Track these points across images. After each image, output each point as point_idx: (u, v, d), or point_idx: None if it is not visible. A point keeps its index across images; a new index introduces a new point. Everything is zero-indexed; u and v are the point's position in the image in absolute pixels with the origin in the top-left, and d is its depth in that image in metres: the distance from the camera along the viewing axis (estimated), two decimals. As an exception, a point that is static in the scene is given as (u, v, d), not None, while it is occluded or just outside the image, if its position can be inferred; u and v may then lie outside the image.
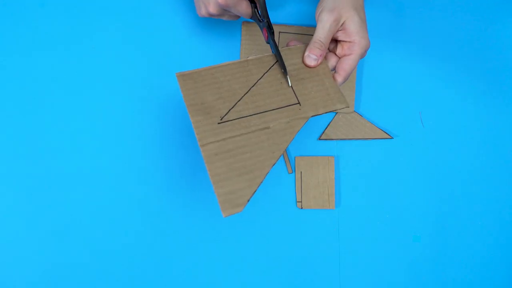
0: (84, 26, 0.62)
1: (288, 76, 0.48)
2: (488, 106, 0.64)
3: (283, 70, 0.48)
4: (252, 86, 0.47)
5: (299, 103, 0.48)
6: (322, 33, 0.48)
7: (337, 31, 0.49)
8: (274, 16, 0.64)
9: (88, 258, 0.60)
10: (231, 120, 0.45)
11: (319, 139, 0.62)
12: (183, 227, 0.61)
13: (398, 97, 0.63)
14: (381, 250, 0.62)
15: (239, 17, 0.54)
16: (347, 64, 0.49)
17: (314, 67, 0.49)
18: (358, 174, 0.63)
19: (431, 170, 0.63)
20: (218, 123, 0.44)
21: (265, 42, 0.54)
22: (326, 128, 0.62)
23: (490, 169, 0.63)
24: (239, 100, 0.46)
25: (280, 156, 0.46)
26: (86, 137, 0.61)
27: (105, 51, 0.62)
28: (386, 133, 0.62)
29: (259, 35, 0.62)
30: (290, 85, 0.48)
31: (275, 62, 0.49)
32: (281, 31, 0.62)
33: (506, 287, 0.62)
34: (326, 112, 0.48)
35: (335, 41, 0.52)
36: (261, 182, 0.43)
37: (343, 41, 0.50)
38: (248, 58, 0.49)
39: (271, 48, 0.50)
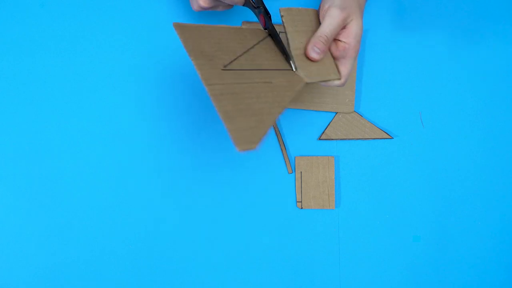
0: (84, 26, 0.62)
1: (291, 61, 0.48)
2: (488, 106, 0.64)
3: (285, 56, 0.48)
4: (250, 48, 0.47)
5: (296, 68, 0.48)
6: (329, 29, 0.48)
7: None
8: (274, 17, 0.64)
9: (88, 258, 0.60)
10: (234, 70, 0.44)
11: (319, 139, 0.62)
12: (182, 226, 0.61)
13: (398, 97, 0.63)
14: (381, 250, 0.62)
15: (232, 6, 0.54)
16: (344, 69, 0.50)
17: (316, 61, 0.49)
18: (358, 174, 0.63)
19: (431, 170, 0.63)
20: (222, 70, 0.43)
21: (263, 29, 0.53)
22: (326, 128, 0.62)
23: (490, 169, 0.63)
24: (239, 56, 0.45)
25: (285, 107, 0.45)
26: (86, 136, 0.61)
27: (105, 51, 0.62)
28: (386, 133, 0.62)
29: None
30: (294, 69, 0.48)
31: (267, 36, 0.50)
32: (281, 31, 0.62)
33: (506, 287, 0.62)
34: (320, 81, 0.48)
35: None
36: (270, 127, 0.41)
37: (339, 40, 0.50)
38: (243, 27, 0.49)
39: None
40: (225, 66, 0.43)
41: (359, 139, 0.62)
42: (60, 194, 0.60)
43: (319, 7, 0.51)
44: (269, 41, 0.50)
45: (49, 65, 0.61)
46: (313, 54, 0.48)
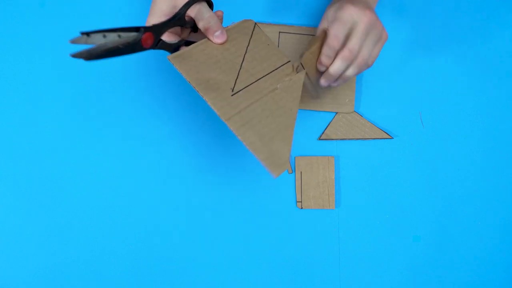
0: (84, 26, 0.62)
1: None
2: (488, 106, 0.64)
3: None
4: (245, 54, 0.48)
5: (289, 60, 0.50)
6: (336, 42, 0.47)
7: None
8: (274, 16, 0.64)
9: (88, 258, 0.60)
10: (242, 89, 0.45)
11: (319, 139, 0.62)
12: (182, 226, 0.61)
13: (398, 97, 0.63)
14: (381, 250, 0.62)
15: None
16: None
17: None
18: (358, 174, 0.63)
19: (431, 170, 0.63)
20: (232, 95, 0.44)
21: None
22: (326, 128, 0.62)
23: (490, 169, 0.63)
24: (240, 70, 0.46)
25: (297, 112, 0.47)
26: (86, 136, 0.61)
27: (105, 51, 0.62)
28: (386, 133, 0.62)
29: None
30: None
31: (254, 26, 0.51)
32: (281, 31, 0.62)
33: (506, 287, 0.62)
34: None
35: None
36: (292, 138, 0.45)
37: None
38: (228, 27, 0.49)
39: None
40: (232, 90, 0.45)
41: (359, 139, 0.62)
42: (60, 194, 0.60)
43: (327, 12, 0.50)
44: (257, 33, 0.50)
45: (49, 65, 0.61)
46: (321, 68, 0.50)
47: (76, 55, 0.38)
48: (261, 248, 0.61)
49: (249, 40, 0.49)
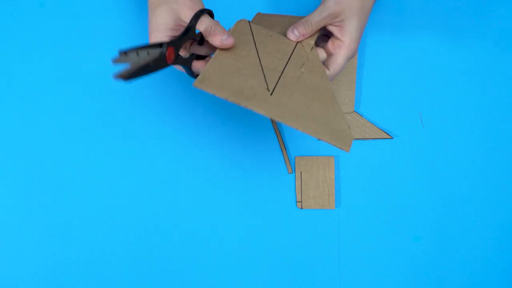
0: (84, 26, 0.62)
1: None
2: (488, 106, 0.64)
3: None
4: (258, 52, 0.48)
5: (297, 42, 0.51)
6: (316, 17, 0.49)
7: (333, 24, 0.50)
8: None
9: (88, 258, 0.60)
10: (275, 86, 0.45)
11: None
12: (182, 226, 0.61)
13: (398, 97, 0.63)
14: (381, 250, 0.62)
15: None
16: (334, 64, 0.50)
17: (293, 41, 0.50)
18: (358, 174, 0.63)
19: (431, 170, 0.63)
20: (271, 95, 0.44)
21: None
22: (326, 128, 0.62)
23: (490, 169, 0.63)
24: (262, 69, 0.46)
25: (331, 87, 0.48)
26: (86, 136, 0.61)
27: (105, 51, 0.62)
28: (386, 133, 0.62)
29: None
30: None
31: (249, 24, 0.51)
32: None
33: (506, 287, 0.62)
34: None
35: (327, 36, 0.52)
36: (341, 111, 0.46)
37: (335, 37, 0.50)
38: (231, 31, 0.49)
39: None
40: (269, 90, 0.45)
41: (359, 139, 0.62)
42: (60, 195, 0.60)
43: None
44: (256, 29, 0.50)
45: (49, 65, 0.61)
46: (291, 36, 0.50)
47: (118, 76, 0.36)
48: (261, 248, 0.61)
49: (253, 38, 0.49)
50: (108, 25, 0.62)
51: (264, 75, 0.46)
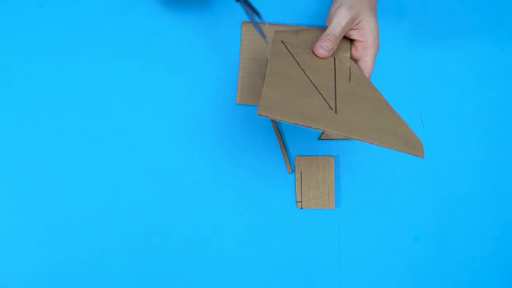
0: (84, 25, 0.62)
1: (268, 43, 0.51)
2: (488, 106, 0.64)
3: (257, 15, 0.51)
4: (303, 70, 0.48)
5: (334, 57, 0.51)
6: (337, 28, 0.49)
7: (351, 29, 0.50)
8: (273, 16, 0.64)
9: (88, 258, 0.60)
10: (336, 103, 0.45)
11: (319, 139, 0.62)
12: (182, 226, 0.61)
13: (398, 97, 0.63)
14: (381, 250, 0.62)
15: None
16: (366, 67, 0.50)
17: (323, 58, 0.50)
18: (358, 174, 0.63)
19: (431, 170, 0.63)
20: (336, 113, 0.44)
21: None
22: (326, 128, 0.62)
23: (490, 169, 0.63)
24: (317, 88, 0.46)
25: (382, 95, 0.48)
26: (86, 136, 0.61)
27: (105, 51, 0.62)
28: (386, 133, 0.62)
29: (259, 35, 0.62)
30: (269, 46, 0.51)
31: (281, 41, 0.51)
32: (278, 30, 0.62)
33: (506, 287, 0.62)
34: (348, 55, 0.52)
35: (349, 41, 0.52)
36: (395, 112, 0.47)
37: (356, 40, 0.51)
38: (267, 57, 0.50)
39: (254, 25, 0.52)
40: (332, 108, 0.45)
41: (359, 139, 0.62)
42: (60, 194, 0.60)
43: (329, 11, 0.51)
44: (292, 47, 0.51)
45: (48, 65, 0.61)
46: (321, 51, 0.49)
47: None
48: (261, 248, 0.61)
49: (294, 58, 0.49)
50: (108, 25, 0.62)
51: (322, 94, 0.46)
